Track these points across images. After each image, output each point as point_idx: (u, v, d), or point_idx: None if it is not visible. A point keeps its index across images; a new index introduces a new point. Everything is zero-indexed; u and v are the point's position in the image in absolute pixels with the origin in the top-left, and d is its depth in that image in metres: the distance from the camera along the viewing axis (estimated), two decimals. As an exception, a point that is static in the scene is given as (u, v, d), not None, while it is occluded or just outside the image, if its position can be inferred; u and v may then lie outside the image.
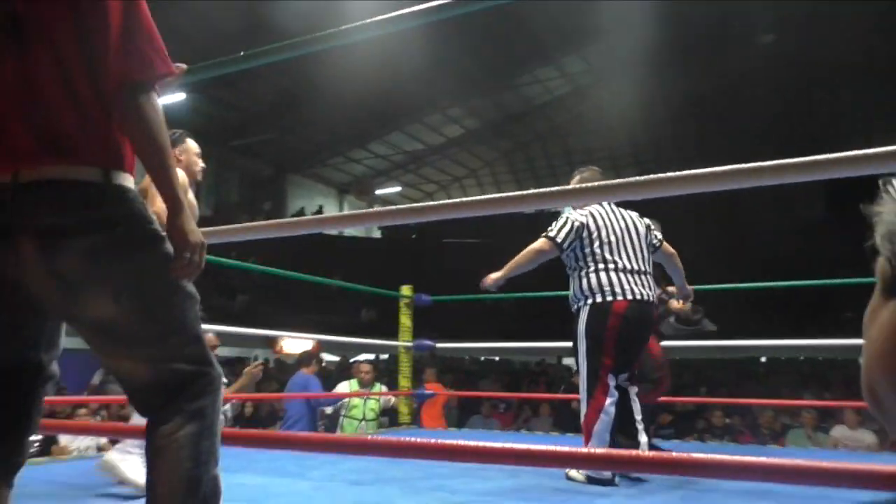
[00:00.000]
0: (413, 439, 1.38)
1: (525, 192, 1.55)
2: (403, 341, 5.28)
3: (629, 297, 2.86)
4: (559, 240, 2.94)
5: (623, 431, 2.83)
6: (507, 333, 11.43)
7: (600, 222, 2.97)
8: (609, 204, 3.04)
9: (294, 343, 13.89)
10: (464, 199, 1.51)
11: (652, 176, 1.42)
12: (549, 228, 3.00)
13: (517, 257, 3.02)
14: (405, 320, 5.29)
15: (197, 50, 5.22)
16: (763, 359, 13.43)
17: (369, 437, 3.16)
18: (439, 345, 5.73)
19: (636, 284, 2.91)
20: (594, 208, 3.01)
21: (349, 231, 23.06)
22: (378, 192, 21.80)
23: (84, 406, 5.13)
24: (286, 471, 2.82)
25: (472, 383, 10.50)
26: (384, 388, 6.10)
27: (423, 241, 21.29)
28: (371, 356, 14.72)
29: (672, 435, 7.10)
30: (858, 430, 6.27)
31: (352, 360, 14.04)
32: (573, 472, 2.80)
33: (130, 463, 2.38)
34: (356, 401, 5.68)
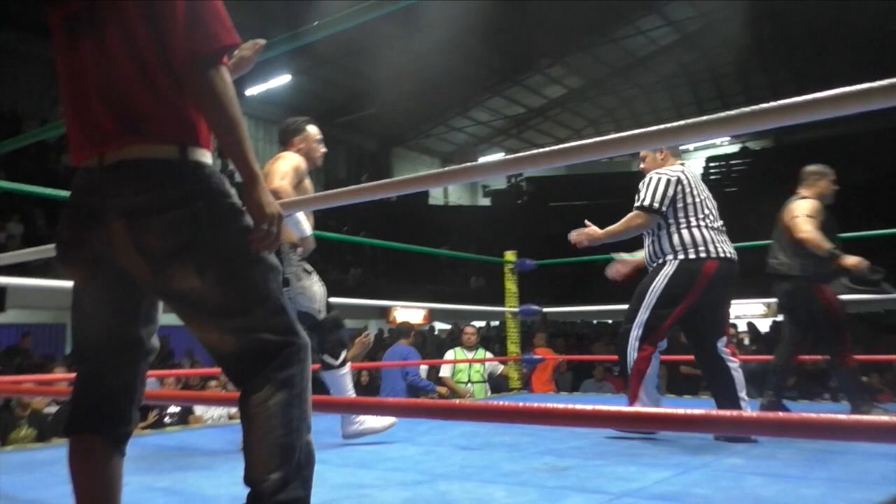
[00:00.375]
0: (513, 404, 1.36)
1: (626, 134, 1.42)
2: (510, 307, 5.27)
3: (721, 254, 2.84)
4: (656, 206, 2.87)
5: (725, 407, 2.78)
6: (618, 295, 11.13)
7: (687, 180, 2.92)
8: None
9: (407, 313, 14.22)
10: (562, 146, 1.41)
11: (761, 105, 1.27)
12: (641, 197, 2.91)
13: (618, 225, 2.98)
14: (510, 286, 5.27)
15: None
16: (903, 311, 12.43)
17: (473, 401, 3.18)
18: (546, 309, 5.67)
19: (724, 243, 2.89)
20: (678, 169, 2.96)
21: (455, 200, 23.22)
22: (480, 159, 21.75)
23: (215, 378, 5.45)
24: (396, 436, 2.89)
25: (583, 347, 10.36)
26: (488, 354, 6.14)
27: (530, 206, 21.11)
28: (482, 323, 14.85)
29: (797, 397, 6.74)
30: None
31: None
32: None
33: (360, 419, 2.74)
34: (461, 366, 5.80)
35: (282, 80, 15.07)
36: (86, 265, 1.26)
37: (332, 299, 2.88)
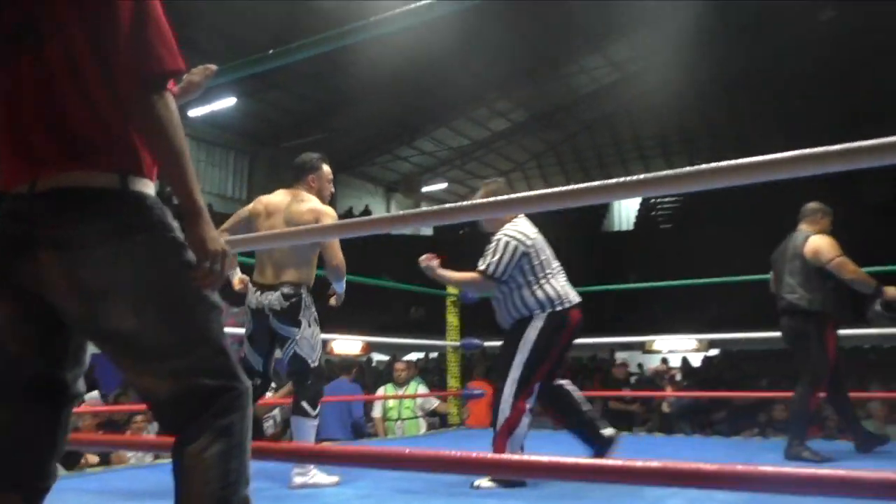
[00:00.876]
0: (448, 452, 1.30)
1: (566, 189, 1.45)
2: (451, 340, 5.22)
3: (577, 300, 2.99)
4: (498, 275, 2.92)
5: (583, 424, 2.94)
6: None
7: (532, 241, 2.98)
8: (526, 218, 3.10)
9: (345, 344, 14.01)
10: (515, 195, 1.42)
11: (703, 166, 1.31)
12: (486, 261, 2.95)
13: (455, 276, 3.12)
14: (452, 319, 5.22)
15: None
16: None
17: (407, 449, 3.10)
18: (488, 343, 5.64)
19: (572, 288, 3.03)
20: (522, 227, 3.00)
21: (398, 229, 23.16)
22: (424, 189, 21.80)
23: (141, 413, 5.18)
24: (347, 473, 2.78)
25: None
26: (422, 387, 5.94)
27: (473, 239, 21.20)
28: (421, 354, 14.74)
29: (725, 430, 6.88)
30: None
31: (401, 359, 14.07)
32: (480, 482, 2.76)
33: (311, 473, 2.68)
34: (392, 402, 5.62)
35: (226, 102, 14.84)
36: (7, 299, 1.15)
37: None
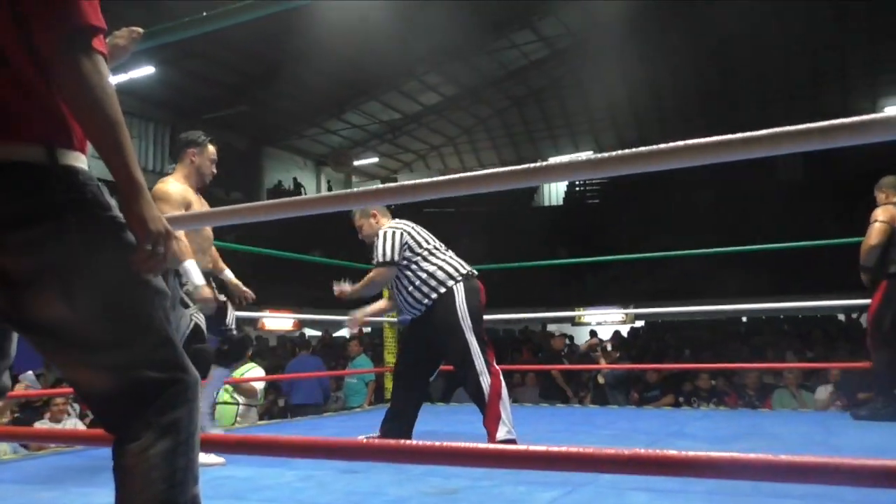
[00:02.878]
0: (392, 442, 1.26)
1: (516, 168, 1.43)
2: (388, 316, 5.17)
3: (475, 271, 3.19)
4: (394, 258, 3.08)
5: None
6: (496, 302, 11.35)
7: (410, 227, 3.21)
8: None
9: (276, 320, 13.76)
10: (460, 175, 1.39)
11: (647, 148, 1.31)
12: (378, 255, 3.12)
13: (361, 284, 3.23)
14: (387, 294, 5.17)
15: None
16: (744, 318, 13.53)
17: (362, 439, 3.08)
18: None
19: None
20: (395, 223, 3.24)
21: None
22: (355, 163, 21.48)
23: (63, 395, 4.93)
24: (272, 461, 2.71)
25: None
26: (254, 372, 5.27)
27: (402, 211, 21.11)
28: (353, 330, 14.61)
29: (658, 397, 7.13)
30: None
31: (334, 335, 13.94)
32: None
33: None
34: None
35: (144, 70, 14.13)
36: None
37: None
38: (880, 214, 3.77)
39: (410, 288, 3.08)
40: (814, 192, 14.80)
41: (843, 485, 1.16)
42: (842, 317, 12.47)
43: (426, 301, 3.06)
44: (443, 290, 3.04)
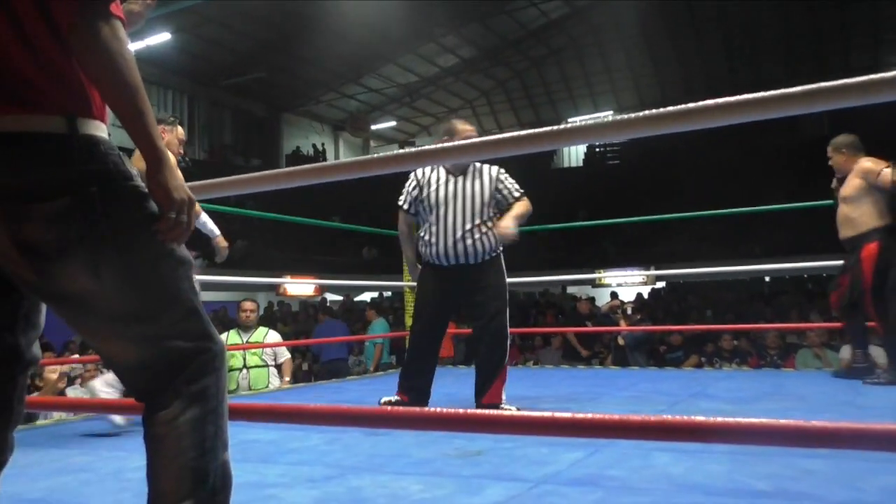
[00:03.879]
0: (414, 410, 1.27)
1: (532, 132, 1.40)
2: (408, 280, 5.18)
3: None
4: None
5: None
6: (520, 265, 11.37)
7: None
8: None
9: (297, 286, 13.89)
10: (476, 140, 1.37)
11: (669, 109, 1.27)
12: (518, 188, 3.08)
13: (517, 213, 3.02)
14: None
15: None
16: (767, 279, 13.39)
17: (384, 401, 3.12)
18: (445, 283, 5.63)
19: None
20: None
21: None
22: (373, 127, 21.39)
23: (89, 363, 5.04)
24: (298, 425, 2.75)
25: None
26: (272, 334, 5.06)
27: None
28: (374, 294, 14.73)
29: (681, 358, 7.12)
30: (869, 346, 6.24)
31: (355, 299, 14.05)
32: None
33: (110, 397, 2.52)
34: (235, 351, 4.78)
35: (160, 38, 14.09)
36: None
37: (214, 277, 2.85)
38: (874, 164, 3.61)
39: (485, 231, 2.98)
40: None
41: (867, 449, 1.15)
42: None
43: (493, 253, 3.01)
44: (500, 248, 3.04)
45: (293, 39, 15.57)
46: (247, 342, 4.75)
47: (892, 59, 16.91)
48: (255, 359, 4.77)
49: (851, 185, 3.66)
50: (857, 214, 3.65)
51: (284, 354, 4.97)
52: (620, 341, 7.31)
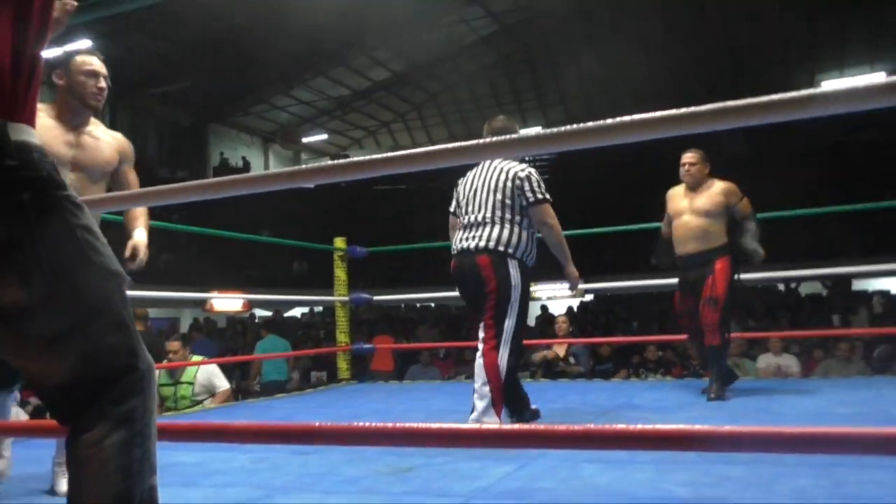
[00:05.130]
0: (352, 424, 1.26)
1: (470, 143, 1.42)
2: (339, 296, 5.14)
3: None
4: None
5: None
6: (443, 280, 11.40)
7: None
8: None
9: (225, 301, 13.54)
10: (406, 152, 1.38)
11: (586, 125, 1.31)
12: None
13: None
14: (340, 274, 5.14)
15: None
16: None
17: (317, 424, 3.05)
18: (377, 297, 5.61)
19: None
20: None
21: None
22: (304, 139, 21.15)
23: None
24: (223, 445, 2.67)
25: (409, 331, 10.48)
26: (203, 370, 4.67)
27: (354, 190, 20.94)
28: (305, 309, 14.52)
29: (611, 370, 7.29)
30: (783, 355, 6.57)
31: (285, 315, 13.79)
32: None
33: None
34: (165, 388, 4.54)
35: (80, 44, 13.57)
36: None
37: (141, 293, 2.62)
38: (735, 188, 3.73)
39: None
40: (757, 165, 15.19)
41: (779, 452, 1.20)
42: (781, 287, 12.92)
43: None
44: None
45: (221, 48, 15.26)
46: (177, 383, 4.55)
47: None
48: (185, 401, 4.51)
49: (714, 201, 3.67)
50: (714, 229, 3.66)
51: (222, 385, 4.72)
52: (551, 355, 7.42)
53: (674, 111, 1.27)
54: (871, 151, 14.82)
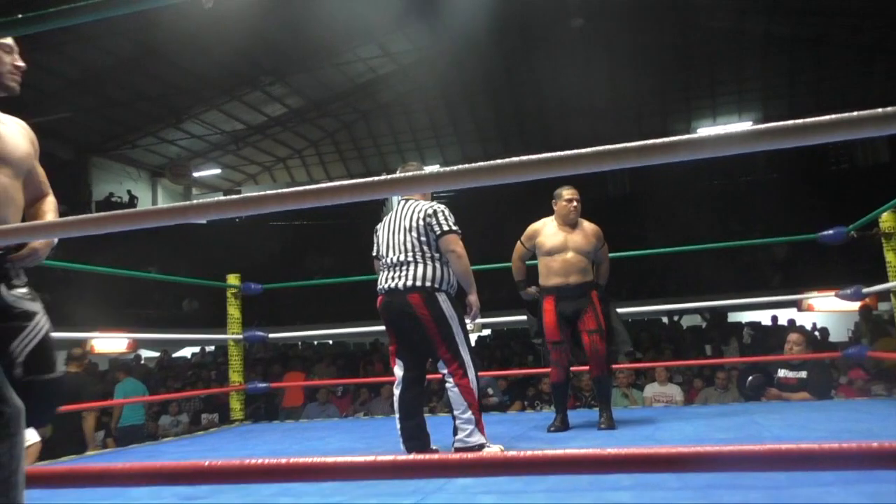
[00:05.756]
0: (255, 461, 1.24)
1: (380, 179, 1.45)
2: (233, 333, 4.99)
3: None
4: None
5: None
6: (339, 316, 11.31)
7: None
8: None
9: (106, 341, 12.76)
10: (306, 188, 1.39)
11: (491, 162, 1.37)
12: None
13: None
14: (234, 311, 5.00)
15: None
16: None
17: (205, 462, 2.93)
18: (272, 335, 5.49)
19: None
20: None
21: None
22: (196, 174, 20.51)
23: None
24: (102, 493, 2.52)
25: (305, 368, 10.26)
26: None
27: (247, 221, 20.45)
28: (196, 349, 13.93)
29: (507, 403, 7.41)
30: (668, 385, 6.92)
31: (174, 355, 13.18)
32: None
33: None
34: None
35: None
36: None
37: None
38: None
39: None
40: (637, 205, 16.09)
41: (664, 472, 1.28)
42: (665, 319, 13.64)
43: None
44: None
45: (104, 78, 14.65)
46: None
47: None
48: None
49: (590, 241, 3.87)
50: (587, 265, 3.85)
51: (33, 438, 4.02)
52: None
53: (563, 153, 1.35)
54: (750, 192, 16.07)
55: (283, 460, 1.19)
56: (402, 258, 3.06)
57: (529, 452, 1.23)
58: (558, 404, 3.91)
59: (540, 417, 4.84)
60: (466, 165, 1.37)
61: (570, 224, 3.88)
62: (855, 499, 1.92)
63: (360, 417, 7.00)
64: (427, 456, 1.23)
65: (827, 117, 1.18)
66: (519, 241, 3.98)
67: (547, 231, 3.91)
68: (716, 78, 17.53)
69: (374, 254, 3.24)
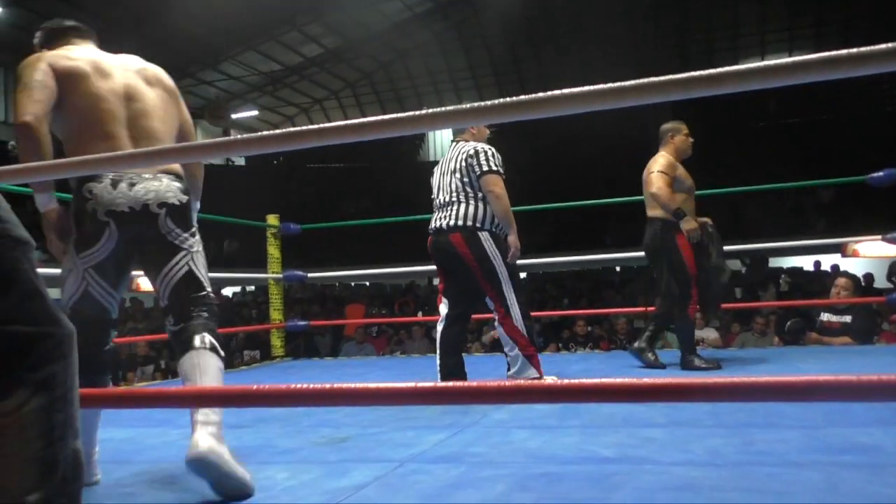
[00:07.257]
0: (288, 385, 1.28)
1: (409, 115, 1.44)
2: (273, 273, 5.09)
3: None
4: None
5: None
6: (376, 259, 11.41)
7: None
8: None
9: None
10: (339, 123, 1.39)
11: (531, 96, 1.34)
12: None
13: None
14: (274, 251, 5.08)
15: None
16: (618, 268, 14.28)
17: (254, 385, 3.03)
18: (311, 274, 5.58)
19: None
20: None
21: (208, 159, 21.78)
22: (234, 116, 20.60)
23: None
24: (154, 419, 2.64)
25: (341, 310, 10.46)
26: None
27: (287, 167, 20.58)
28: (237, 288, 14.26)
29: (542, 344, 7.47)
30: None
31: (221, 292, 13.50)
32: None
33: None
34: None
35: (-10, 10, 12.81)
36: None
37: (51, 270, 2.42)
38: (653, 164, 3.79)
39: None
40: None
41: (699, 401, 1.28)
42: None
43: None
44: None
45: (143, 19, 14.65)
46: None
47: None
48: None
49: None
50: None
51: None
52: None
53: (603, 86, 1.30)
54: (796, 134, 15.55)
55: (328, 385, 1.23)
56: (447, 198, 3.15)
57: (567, 381, 1.26)
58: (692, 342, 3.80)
59: (575, 358, 4.88)
60: (510, 98, 1.34)
61: (683, 161, 3.85)
62: (892, 439, 1.92)
63: (398, 356, 7.14)
64: (465, 383, 1.27)
65: (883, 46, 1.11)
66: (660, 172, 3.68)
67: (679, 167, 3.80)
68: (766, 14, 16.81)
69: (433, 196, 3.32)
